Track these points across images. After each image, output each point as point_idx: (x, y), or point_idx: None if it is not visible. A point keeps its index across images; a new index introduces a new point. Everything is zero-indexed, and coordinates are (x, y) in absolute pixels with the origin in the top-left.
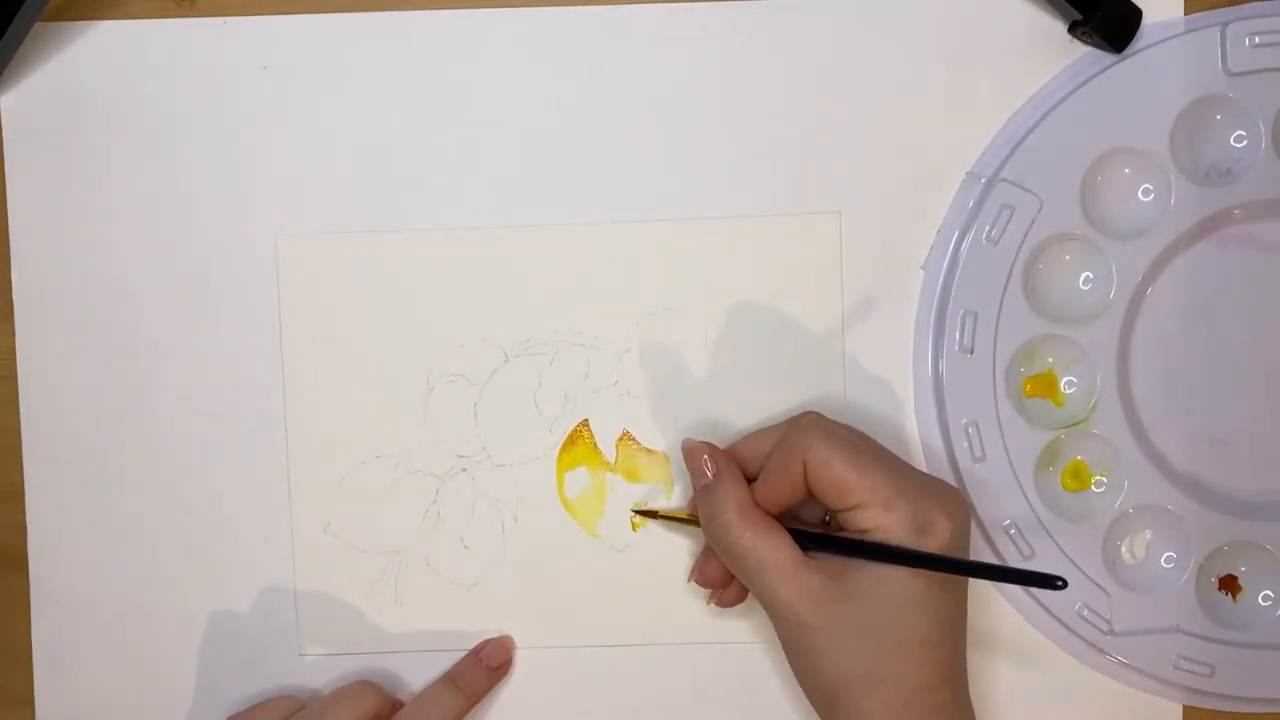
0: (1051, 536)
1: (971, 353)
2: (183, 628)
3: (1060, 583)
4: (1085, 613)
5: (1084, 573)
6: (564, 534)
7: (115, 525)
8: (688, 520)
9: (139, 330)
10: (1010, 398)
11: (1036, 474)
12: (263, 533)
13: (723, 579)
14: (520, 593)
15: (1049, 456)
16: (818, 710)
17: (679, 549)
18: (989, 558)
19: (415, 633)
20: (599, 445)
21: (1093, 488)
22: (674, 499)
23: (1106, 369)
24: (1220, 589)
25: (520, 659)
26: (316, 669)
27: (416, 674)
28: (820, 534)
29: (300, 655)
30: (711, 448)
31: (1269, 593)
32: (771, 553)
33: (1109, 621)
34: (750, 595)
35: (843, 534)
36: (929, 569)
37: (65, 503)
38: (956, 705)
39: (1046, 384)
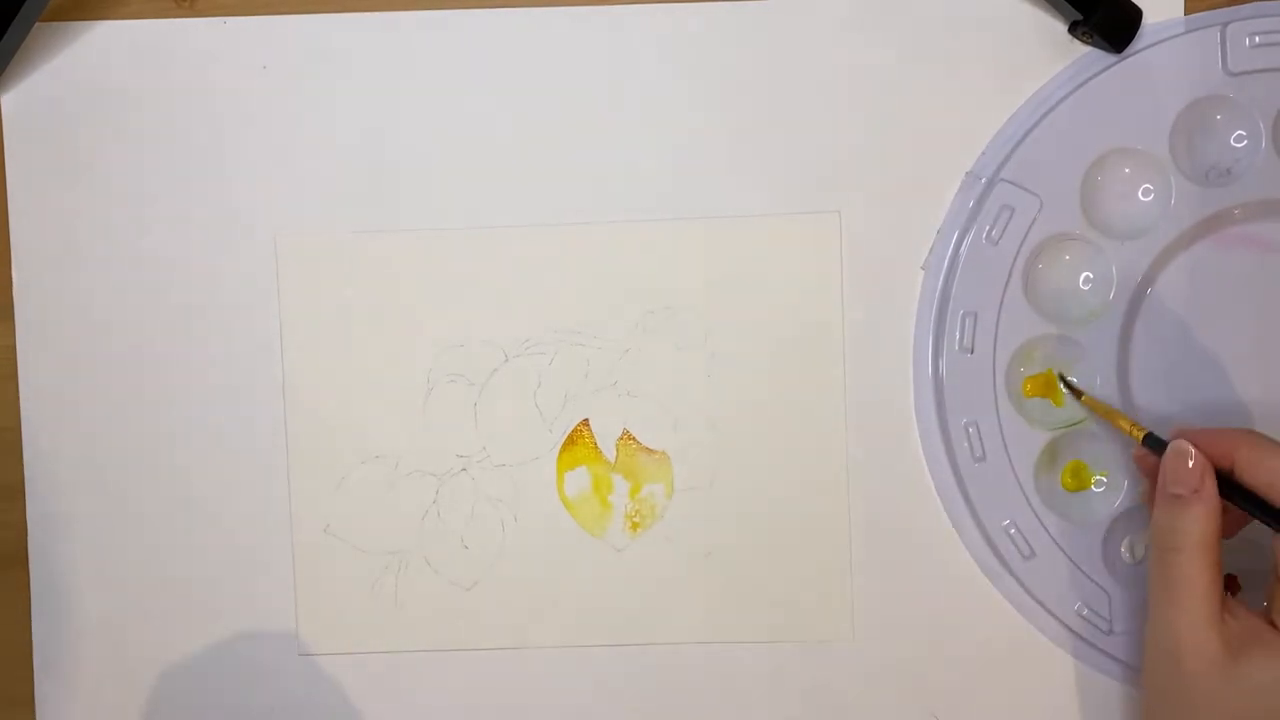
0: (1052, 536)
1: (971, 353)
2: (182, 627)
3: None
4: (1085, 613)
5: (1084, 573)
6: (564, 534)
7: (115, 525)
8: (1109, 415)
9: (139, 330)
10: (1010, 398)
11: (1036, 474)
12: (263, 533)
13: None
14: (520, 593)
15: (1049, 456)
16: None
17: (679, 549)
18: (988, 558)
19: (415, 633)
20: (599, 445)
21: (1093, 488)
22: (674, 500)
23: (1106, 369)
24: None
25: (520, 659)
26: (316, 669)
27: (416, 674)
28: None
29: (300, 655)
30: (1205, 463)
31: None
32: (1195, 600)
33: (1109, 621)
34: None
35: None
36: None
37: (65, 503)
38: None
39: (1046, 384)
